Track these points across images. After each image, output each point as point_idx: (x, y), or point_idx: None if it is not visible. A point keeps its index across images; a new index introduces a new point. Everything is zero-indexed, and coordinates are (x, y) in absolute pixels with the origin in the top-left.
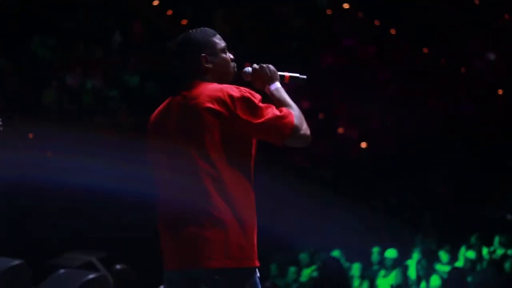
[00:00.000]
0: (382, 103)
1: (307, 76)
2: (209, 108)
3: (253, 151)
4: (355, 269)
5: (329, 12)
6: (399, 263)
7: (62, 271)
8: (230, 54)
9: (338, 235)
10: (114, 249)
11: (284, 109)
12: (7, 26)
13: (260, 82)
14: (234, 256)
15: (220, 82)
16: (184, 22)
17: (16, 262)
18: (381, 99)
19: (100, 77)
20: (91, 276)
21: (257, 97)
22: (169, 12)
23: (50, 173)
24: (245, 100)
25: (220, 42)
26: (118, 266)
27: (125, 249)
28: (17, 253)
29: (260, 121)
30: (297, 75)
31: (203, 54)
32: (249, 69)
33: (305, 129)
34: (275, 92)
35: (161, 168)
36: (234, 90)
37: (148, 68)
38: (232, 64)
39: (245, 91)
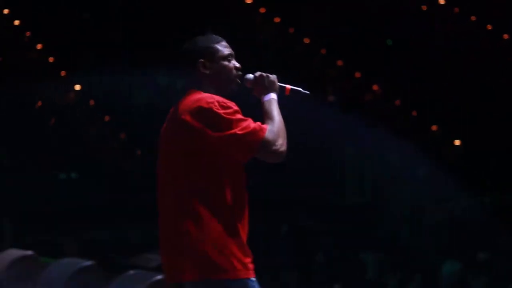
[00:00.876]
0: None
1: (308, 92)
2: (184, 121)
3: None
4: None
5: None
6: None
7: (131, 272)
8: (235, 62)
9: None
10: None
11: (256, 124)
12: None
13: (258, 91)
14: (216, 269)
15: (220, 90)
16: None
17: (88, 263)
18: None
19: None
20: (158, 277)
21: (228, 109)
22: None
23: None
24: (211, 112)
25: (223, 50)
26: None
27: None
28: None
29: (222, 134)
30: (300, 89)
31: (201, 60)
32: (250, 76)
33: (279, 145)
34: (265, 103)
35: (159, 179)
36: (205, 102)
37: None
38: (235, 72)
39: (217, 102)
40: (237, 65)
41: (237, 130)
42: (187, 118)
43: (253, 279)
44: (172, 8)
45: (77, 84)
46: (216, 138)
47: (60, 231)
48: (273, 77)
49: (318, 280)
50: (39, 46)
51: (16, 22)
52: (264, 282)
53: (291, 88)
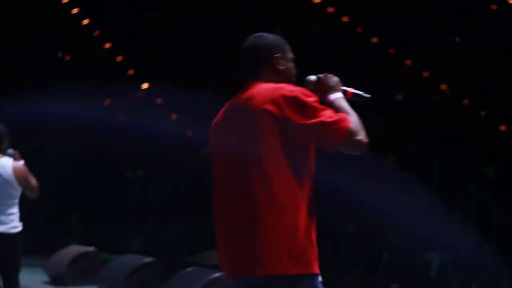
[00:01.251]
0: None
1: (370, 97)
2: (266, 109)
3: (312, 156)
4: None
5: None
6: None
7: (189, 269)
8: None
9: None
10: None
11: (341, 114)
12: None
13: (321, 92)
14: (285, 263)
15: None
16: None
17: (148, 259)
18: None
19: None
20: (216, 275)
21: (311, 98)
22: None
23: None
24: (296, 100)
25: (291, 52)
26: None
27: None
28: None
29: (309, 122)
30: (361, 93)
31: (279, 55)
32: (313, 77)
33: (362, 135)
34: (335, 101)
35: (219, 169)
36: (288, 90)
37: None
38: (294, 77)
39: (299, 90)
40: (294, 65)
41: (324, 118)
42: (270, 107)
43: (319, 275)
44: (240, 7)
45: (145, 82)
46: (304, 126)
47: (127, 228)
48: (336, 78)
49: (382, 280)
50: (107, 45)
51: (85, 21)
52: (329, 282)
53: (353, 92)
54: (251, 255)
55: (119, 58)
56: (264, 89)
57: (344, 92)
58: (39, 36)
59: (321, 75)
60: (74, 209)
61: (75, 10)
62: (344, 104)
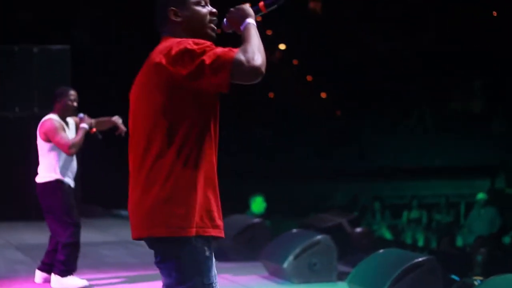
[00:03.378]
0: None
1: None
2: (157, 64)
3: (214, 111)
4: None
5: None
6: None
7: (294, 230)
8: (210, 8)
9: None
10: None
11: (226, 48)
12: None
13: (236, 27)
14: (171, 225)
15: (194, 37)
16: None
17: (256, 220)
18: None
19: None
20: (317, 237)
21: (202, 44)
22: None
23: None
24: (181, 52)
25: None
26: (358, 229)
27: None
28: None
29: (190, 70)
30: (272, 3)
31: (172, 7)
32: (225, 20)
33: (252, 59)
34: (243, 31)
35: (129, 123)
36: (178, 41)
37: None
38: (210, 17)
39: (191, 41)
40: (213, 10)
41: (205, 58)
42: (161, 60)
43: (198, 237)
44: None
45: (282, 43)
46: (188, 74)
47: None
48: (242, 5)
49: None
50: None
51: None
52: None
53: (264, 3)
54: (137, 219)
55: (258, 18)
56: (160, 45)
57: (258, 10)
58: None
59: (231, 9)
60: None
61: None
62: (248, 33)
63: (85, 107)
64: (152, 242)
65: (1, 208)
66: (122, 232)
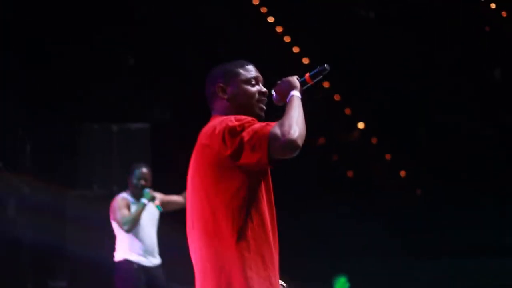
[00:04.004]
0: None
1: (327, 65)
2: (204, 145)
3: (264, 187)
4: None
5: None
6: None
7: None
8: (260, 87)
9: None
10: None
11: (264, 123)
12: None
13: (284, 100)
14: None
15: (241, 114)
16: None
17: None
18: None
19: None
20: None
21: (243, 120)
22: None
23: None
24: (225, 128)
25: (247, 73)
26: None
27: None
28: None
29: (231, 150)
30: (317, 69)
31: (220, 84)
32: (273, 93)
33: (288, 132)
34: (286, 105)
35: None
36: (221, 120)
37: None
38: (258, 97)
39: (233, 117)
40: (263, 89)
41: (244, 134)
42: (207, 141)
43: None
44: None
45: (361, 122)
46: (231, 154)
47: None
48: (289, 78)
49: None
50: (326, 84)
51: (305, 60)
52: None
53: (310, 75)
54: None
55: (337, 97)
56: (208, 124)
57: (304, 82)
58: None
59: (278, 82)
60: None
61: (287, 39)
62: (289, 106)
63: (164, 185)
64: None
65: (79, 286)
66: None
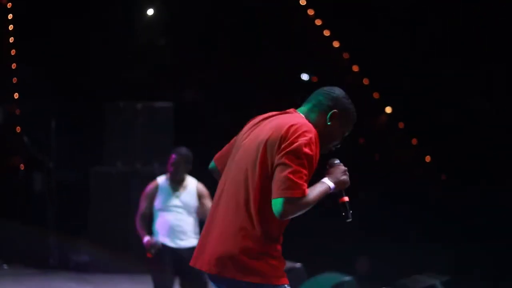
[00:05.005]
0: None
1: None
2: (281, 131)
3: None
4: None
5: None
6: None
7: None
8: (345, 135)
9: None
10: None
11: (305, 183)
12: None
13: (329, 172)
14: (260, 274)
15: (319, 140)
16: None
17: (346, 278)
18: None
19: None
20: None
21: (309, 152)
22: None
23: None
24: (295, 141)
25: (348, 127)
26: None
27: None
28: None
29: (280, 161)
30: (349, 211)
31: (336, 111)
32: (337, 161)
33: (291, 210)
34: (321, 182)
35: (230, 162)
36: (306, 131)
37: None
38: (335, 143)
39: (312, 138)
40: (340, 143)
41: (293, 169)
42: (283, 132)
43: (286, 285)
44: None
45: (388, 106)
46: (279, 160)
47: (353, 249)
48: (346, 178)
49: None
50: (355, 68)
51: (336, 44)
52: None
53: (344, 203)
54: (228, 260)
55: (365, 81)
56: (297, 117)
57: (341, 195)
58: (289, 56)
59: (342, 166)
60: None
61: (327, 33)
62: (319, 189)
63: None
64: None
65: (101, 261)
66: None
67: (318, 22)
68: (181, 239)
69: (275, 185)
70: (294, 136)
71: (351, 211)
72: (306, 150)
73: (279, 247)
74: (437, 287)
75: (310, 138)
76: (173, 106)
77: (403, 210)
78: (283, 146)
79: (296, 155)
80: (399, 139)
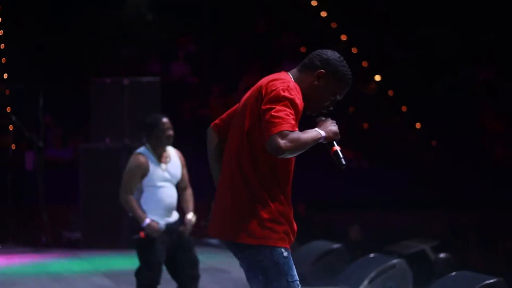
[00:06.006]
0: None
1: (345, 165)
2: (259, 87)
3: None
4: None
5: None
6: None
7: (371, 255)
8: (336, 97)
9: None
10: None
11: (292, 119)
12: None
13: (319, 125)
14: (258, 236)
15: (306, 99)
16: None
17: (336, 245)
18: None
19: (493, 68)
20: (394, 261)
21: (289, 95)
22: None
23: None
24: (277, 92)
25: (341, 91)
26: (441, 255)
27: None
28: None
29: (264, 107)
30: (342, 157)
31: (323, 71)
32: (322, 118)
33: (287, 144)
34: (311, 130)
35: (230, 132)
36: (279, 82)
37: None
38: (328, 103)
39: (290, 85)
40: (336, 99)
41: (275, 109)
42: (262, 87)
43: (284, 248)
44: None
45: (378, 74)
46: (262, 110)
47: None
48: (336, 128)
49: None
50: (343, 37)
51: (323, 14)
52: None
53: (337, 151)
54: (229, 224)
55: (354, 50)
56: (277, 74)
57: (332, 145)
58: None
59: (330, 119)
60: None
61: (314, 3)
62: (310, 133)
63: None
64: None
65: (93, 237)
66: (209, 259)
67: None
68: (170, 216)
69: (264, 129)
70: (272, 87)
71: (343, 157)
72: (285, 94)
73: (278, 209)
74: (426, 252)
75: (288, 86)
76: (160, 80)
77: (394, 177)
78: (263, 97)
79: (277, 99)
80: (389, 106)
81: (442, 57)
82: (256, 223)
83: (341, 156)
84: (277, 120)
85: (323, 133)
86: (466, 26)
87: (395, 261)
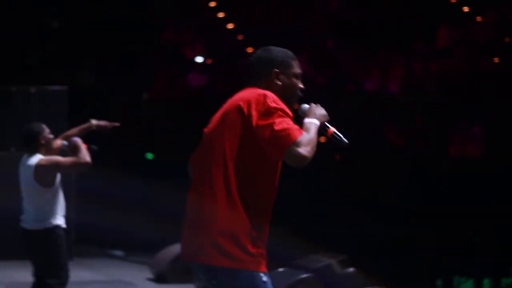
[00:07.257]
0: None
1: (348, 143)
2: (238, 107)
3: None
4: None
5: None
6: None
7: (281, 269)
8: (301, 84)
9: None
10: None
11: (297, 126)
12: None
13: (304, 117)
14: (237, 258)
15: (285, 102)
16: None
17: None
18: None
19: (398, 83)
20: (303, 276)
21: (278, 106)
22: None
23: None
24: (263, 102)
25: (297, 68)
26: (350, 270)
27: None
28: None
29: (261, 123)
30: (341, 136)
31: (276, 70)
32: (306, 106)
33: (306, 150)
34: (306, 123)
35: (199, 151)
36: (262, 93)
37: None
38: (299, 93)
39: (272, 97)
40: (302, 86)
41: (275, 125)
42: (241, 104)
43: (262, 273)
44: None
45: None
46: (256, 127)
47: None
48: (323, 110)
49: None
50: (230, 26)
51: (212, 4)
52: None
53: (334, 132)
54: (204, 246)
55: (240, 37)
56: (247, 91)
57: (326, 128)
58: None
59: (313, 104)
60: None
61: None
62: (311, 127)
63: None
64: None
65: None
66: (113, 271)
67: None
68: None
69: (273, 146)
70: (257, 102)
71: (340, 136)
72: (274, 104)
73: (258, 232)
74: (333, 266)
75: (267, 96)
76: (68, 90)
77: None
78: (251, 114)
79: (268, 112)
80: None
81: None
82: (236, 245)
83: (340, 135)
84: (285, 133)
85: (316, 121)
86: None
87: (305, 275)
